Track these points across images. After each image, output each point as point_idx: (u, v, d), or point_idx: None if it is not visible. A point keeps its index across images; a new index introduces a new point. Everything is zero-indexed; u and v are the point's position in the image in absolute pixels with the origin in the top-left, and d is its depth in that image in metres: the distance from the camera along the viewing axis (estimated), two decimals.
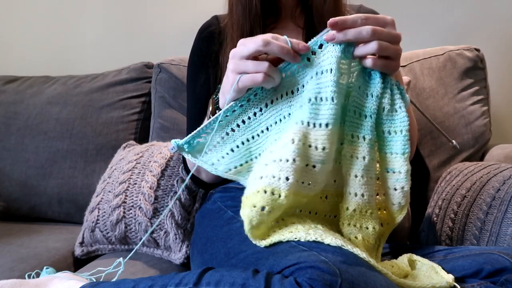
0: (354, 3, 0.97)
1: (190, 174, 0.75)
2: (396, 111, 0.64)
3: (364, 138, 0.65)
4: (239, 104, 0.68)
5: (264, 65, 0.62)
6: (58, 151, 1.34)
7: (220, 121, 0.68)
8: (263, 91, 0.67)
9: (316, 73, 0.63)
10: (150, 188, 1.01)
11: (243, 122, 0.69)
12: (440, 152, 1.19)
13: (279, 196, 0.60)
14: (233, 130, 0.69)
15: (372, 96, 0.64)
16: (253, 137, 0.69)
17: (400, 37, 0.63)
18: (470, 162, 1.12)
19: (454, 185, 0.97)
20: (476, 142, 1.20)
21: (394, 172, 0.66)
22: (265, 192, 0.60)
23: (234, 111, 0.68)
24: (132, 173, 1.04)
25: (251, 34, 0.85)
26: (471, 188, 0.91)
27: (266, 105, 0.67)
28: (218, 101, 0.72)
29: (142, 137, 1.37)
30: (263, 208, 0.60)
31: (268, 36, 0.63)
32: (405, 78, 1.18)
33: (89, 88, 1.40)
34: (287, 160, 0.60)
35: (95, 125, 1.35)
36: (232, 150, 0.70)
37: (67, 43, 1.70)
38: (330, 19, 0.60)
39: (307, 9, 0.89)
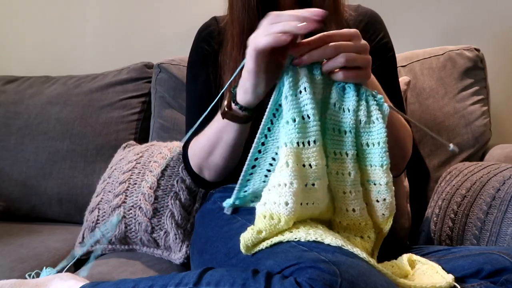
0: (352, 3, 0.97)
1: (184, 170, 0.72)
2: (374, 122, 0.64)
3: (347, 154, 0.64)
4: (261, 142, 0.66)
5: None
6: (58, 151, 1.34)
7: (255, 159, 0.67)
8: (274, 124, 0.65)
9: (295, 94, 0.61)
10: (150, 188, 1.01)
11: (274, 159, 0.67)
12: (440, 152, 1.19)
13: (279, 221, 0.59)
14: (269, 170, 0.68)
15: (348, 111, 0.63)
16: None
17: (367, 46, 0.63)
18: (470, 162, 1.12)
19: (454, 185, 0.97)
20: (476, 142, 1.20)
21: (375, 184, 0.65)
22: (265, 217, 0.60)
23: (260, 151, 0.67)
24: (132, 173, 1.04)
25: (251, 30, 0.85)
26: (471, 188, 0.91)
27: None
28: (235, 95, 0.70)
29: (142, 137, 1.37)
30: (260, 232, 0.60)
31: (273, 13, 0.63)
32: (405, 78, 1.18)
33: (89, 88, 1.40)
34: (285, 185, 0.59)
35: (95, 125, 1.35)
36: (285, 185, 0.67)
37: (67, 43, 1.70)
38: (290, 49, 0.61)
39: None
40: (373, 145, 0.64)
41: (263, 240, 0.62)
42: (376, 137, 0.64)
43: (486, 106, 1.24)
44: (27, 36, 1.73)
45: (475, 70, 1.24)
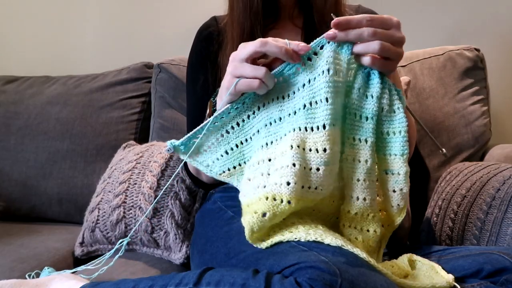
0: (352, 3, 0.97)
1: (182, 164, 0.73)
2: (395, 112, 0.64)
3: (366, 141, 0.64)
4: (235, 107, 0.68)
5: (261, 70, 0.62)
6: (58, 151, 1.34)
7: (215, 122, 0.68)
8: (257, 95, 0.67)
9: (309, 81, 0.62)
10: (150, 188, 1.01)
11: (238, 124, 0.69)
12: (440, 152, 1.19)
13: (281, 201, 0.60)
14: (227, 132, 0.69)
15: (372, 97, 0.63)
16: (246, 140, 0.69)
17: (404, 39, 0.63)
18: (470, 162, 1.12)
19: (454, 185, 0.97)
20: (476, 142, 1.20)
21: (393, 174, 0.65)
22: (267, 198, 0.60)
23: (230, 113, 0.68)
24: (132, 173, 1.04)
25: (252, 32, 0.85)
26: (471, 188, 0.91)
27: (258, 108, 0.68)
28: (216, 103, 0.72)
29: (142, 137, 1.37)
30: (264, 214, 0.60)
31: (267, 38, 0.63)
32: (405, 78, 1.18)
33: (89, 88, 1.40)
34: (287, 166, 0.60)
35: (95, 125, 1.35)
36: (227, 153, 0.70)
37: (67, 43, 1.70)
38: (334, 18, 0.60)
39: (306, 9, 0.89)
40: (394, 134, 0.64)
41: (268, 229, 0.62)
42: (398, 126, 0.64)
43: (486, 106, 1.24)
44: (27, 36, 1.73)
45: (475, 70, 1.24)
